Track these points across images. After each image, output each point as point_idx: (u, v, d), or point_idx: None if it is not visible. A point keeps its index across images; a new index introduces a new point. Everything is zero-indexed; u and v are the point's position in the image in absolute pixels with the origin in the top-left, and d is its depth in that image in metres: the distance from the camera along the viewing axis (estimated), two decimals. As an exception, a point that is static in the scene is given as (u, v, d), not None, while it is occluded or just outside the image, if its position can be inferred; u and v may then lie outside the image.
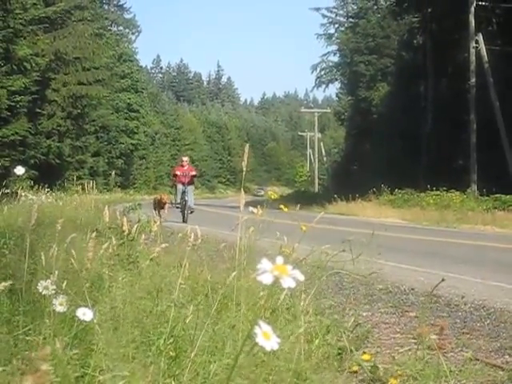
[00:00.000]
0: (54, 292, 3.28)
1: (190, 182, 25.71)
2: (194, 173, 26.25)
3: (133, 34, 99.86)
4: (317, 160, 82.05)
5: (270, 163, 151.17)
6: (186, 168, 25.89)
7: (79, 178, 33.56)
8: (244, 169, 3.66)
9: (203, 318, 3.56)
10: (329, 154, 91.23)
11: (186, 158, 26.97)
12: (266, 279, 1.66)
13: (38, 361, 1.45)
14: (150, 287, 4.28)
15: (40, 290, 3.31)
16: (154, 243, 5.23)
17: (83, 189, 20.79)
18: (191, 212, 24.62)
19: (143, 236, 5.88)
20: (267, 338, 1.68)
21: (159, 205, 23.87)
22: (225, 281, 3.92)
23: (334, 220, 22.81)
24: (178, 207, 24.96)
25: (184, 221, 23.48)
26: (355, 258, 4.91)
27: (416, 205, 33.52)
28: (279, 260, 1.71)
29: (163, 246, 4.27)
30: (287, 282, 1.67)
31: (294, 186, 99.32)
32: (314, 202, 41.13)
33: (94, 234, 4.09)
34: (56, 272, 3.51)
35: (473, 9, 37.85)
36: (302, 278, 1.70)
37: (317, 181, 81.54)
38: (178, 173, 25.67)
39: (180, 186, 25.33)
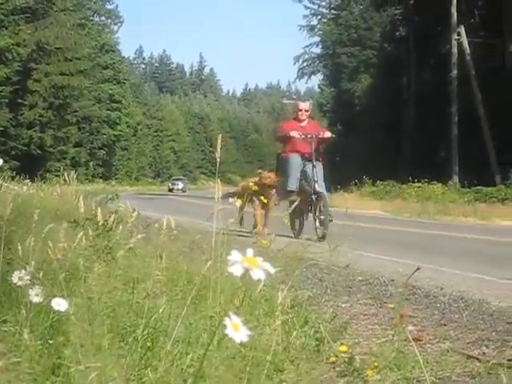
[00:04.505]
0: (29, 283, 3.26)
1: (319, 155, 13.10)
2: (327, 134, 13.39)
3: (115, 24, 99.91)
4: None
5: (252, 154, 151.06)
6: (306, 124, 13.16)
7: (61, 168, 33.37)
8: (218, 159, 3.64)
9: (179, 309, 3.55)
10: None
11: (306, 105, 13.41)
12: (237, 270, 1.68)
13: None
14: (126, 278, 4.26)
15: (14, 281, 3.28)
16: (131, 234, 5.20)
17: (64, 179, 20.53)
18: (330, 219, 11.85)
19: (120, 227, 5.86)
20: (237, 329, 1.70)
21: (265, 192, 12.56)
22: (201, 271, 3.90)
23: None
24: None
25: (301, 232, 12.36)
26: (333, 249, 4.91)
27: (398, 196, 33.61)
28: (249, 252, 1.73)
29: (139, 236, 4.25)
30: (257, 274, 1.70)
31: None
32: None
33: (68, 225, 4.08)
34: (32, 262, 3.49)
35: (455, 1, 37.99)
36: (272, 270, 1.73)
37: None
38: (294, 134, 12.57)
39: (297, 160, 12.84)
